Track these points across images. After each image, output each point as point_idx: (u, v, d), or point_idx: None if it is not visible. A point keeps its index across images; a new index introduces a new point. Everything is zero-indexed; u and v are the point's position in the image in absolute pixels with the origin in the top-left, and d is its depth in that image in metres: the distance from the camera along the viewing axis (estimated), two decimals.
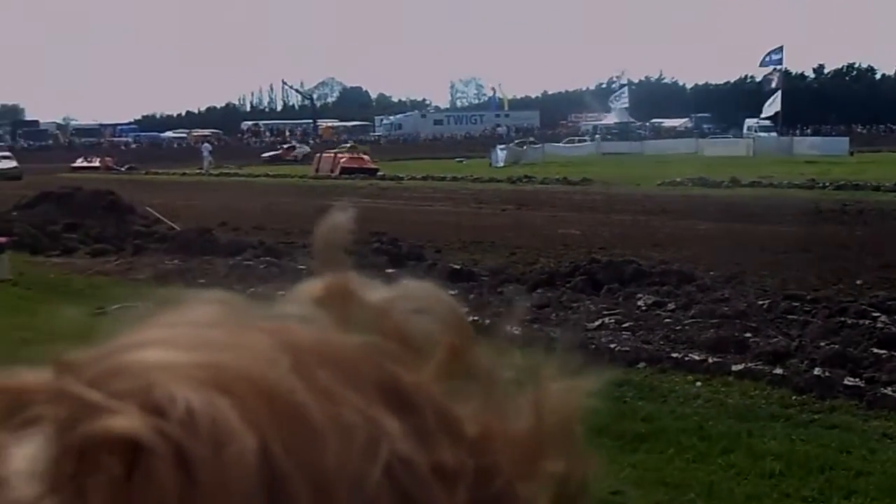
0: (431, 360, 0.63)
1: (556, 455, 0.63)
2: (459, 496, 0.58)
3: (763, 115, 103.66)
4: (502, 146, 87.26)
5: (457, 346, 0.64)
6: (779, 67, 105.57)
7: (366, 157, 77.32)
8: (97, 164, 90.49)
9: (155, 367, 0.56)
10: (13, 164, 77.48)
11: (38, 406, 0.56)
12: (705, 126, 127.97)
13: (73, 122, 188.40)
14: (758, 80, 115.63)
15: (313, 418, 0.55)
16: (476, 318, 15.38)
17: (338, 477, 0.54)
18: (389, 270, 19.40)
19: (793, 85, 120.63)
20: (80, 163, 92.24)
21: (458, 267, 19.50)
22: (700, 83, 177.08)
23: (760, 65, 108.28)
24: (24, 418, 0.56)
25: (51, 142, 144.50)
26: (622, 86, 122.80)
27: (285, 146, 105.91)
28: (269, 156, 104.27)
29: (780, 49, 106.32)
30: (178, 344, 0.58)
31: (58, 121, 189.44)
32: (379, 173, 68.79)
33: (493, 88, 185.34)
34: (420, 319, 0.64)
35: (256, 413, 0.54)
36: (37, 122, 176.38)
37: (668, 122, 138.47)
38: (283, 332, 0.60)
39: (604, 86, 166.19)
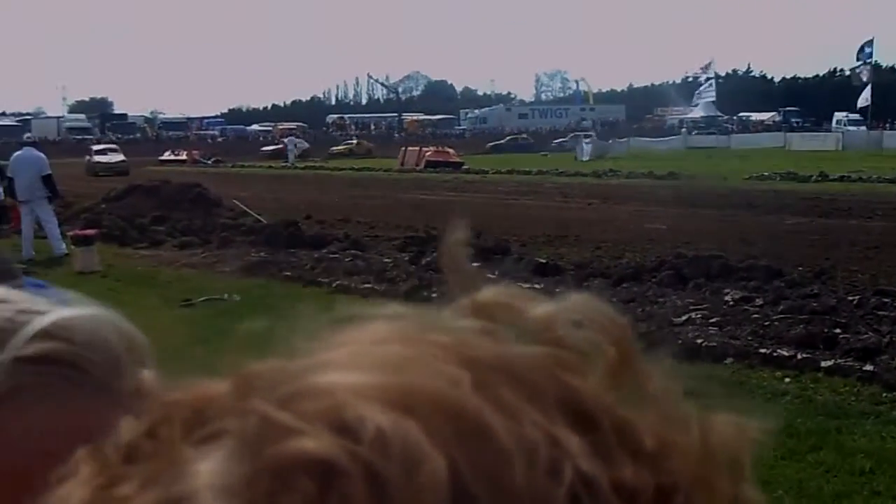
0: (599, 373, 0.61)
1: (726, 475, 0.60)
2: None
3: (859, 107, 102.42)
4: (587, 139, 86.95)
5: (623, 357, 0.62)
6: (869, 61, 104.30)
7: (450, 150, 77.48)
8: (184, 157, 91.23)
9: (341, 389, 0.55)
10: (120, 157, 74.90)
11: (221, 420, 0.56)
12: (793, 120, 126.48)
13: (160, 116, 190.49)
14: (847, 73, 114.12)
15: (500, 438, 0.54)
16: None
17: (525, 498, 0.53)
18: (475, 264, 19.42)
19: (883, 78, 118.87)
20: (167, 156, 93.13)
21: (543, 261, 19.42)
22: (788, 76, 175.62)
23: (858, 59, 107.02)
24: (207, 432, 0.56)
25: (139, 135, 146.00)
26: (709, 79, 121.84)
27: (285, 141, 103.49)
28: (271, 150, 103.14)
29: (871, 42, 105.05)
30: (361, 364, 0.57)
31: (146, 114, 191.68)
32: (464, 167, 68.88)
33: (577, 82, 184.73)
34: (583, 331, 0.63)
35: (443, 434, 0.53)
36: (125, 115, 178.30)
37: (756, 116, 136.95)
38: (460, 347, 0.59)
39: (690, 79, 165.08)
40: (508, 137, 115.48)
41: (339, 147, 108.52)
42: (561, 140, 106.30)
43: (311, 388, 0.56)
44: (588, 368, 0.61)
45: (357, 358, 0.58)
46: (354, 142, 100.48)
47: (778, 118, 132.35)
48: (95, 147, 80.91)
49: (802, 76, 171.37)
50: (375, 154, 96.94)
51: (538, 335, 0.62)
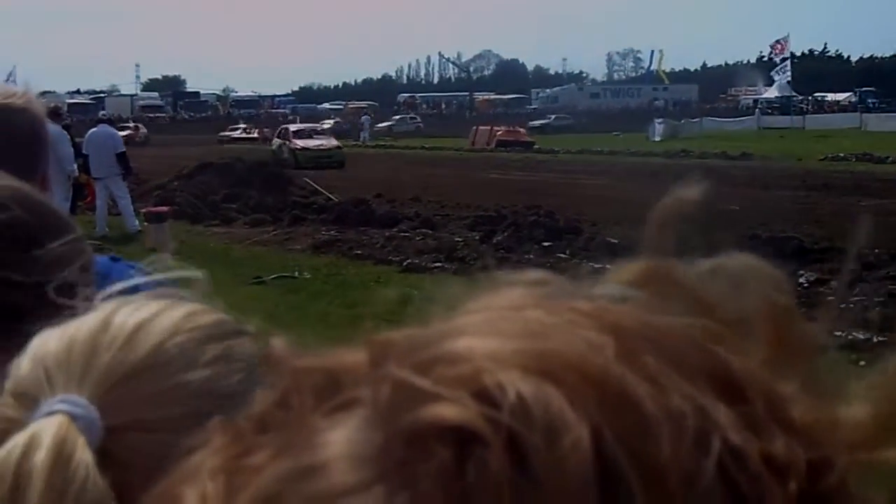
0: (755, 341, 0.60)
1: (883, 453, 0.57)
2: (791, 491, 0.53)
3: None
4: (659, 120, 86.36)
5: (780, 324, 0.61)
6: None
7: (521, 129, 77.28)
8: (255, 135, 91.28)
9: (480, 355, 0.53)
10: (333, 143, 54.47)
11: (354, 388, 0.56)
12: (870, 101, 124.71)
13: (232, 94, 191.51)
14: None
15: (645, 407, 0.52)
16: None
17: (671, 470, 0.51)
18: (546, 243, 19.35)
19: None
20: (239, 133, 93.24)
21: (615, 241, 19.29)
22: (865, 56, 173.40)
23: None
24: (340, 401, 0.55)
25: (210, 113, 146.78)
26: (784, 59, 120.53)
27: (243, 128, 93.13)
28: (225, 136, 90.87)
29: None
30: (499, 330, 0.56)
31: (218, 92, 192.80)
32: (534, 146, 68.66)
33: (652, 52, 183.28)
34: (740, 295, 0.61)
35: (586, 401, 0.52)
36: (197, 93, 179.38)
37: (832, 97, 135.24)
38: (604, 314, 0.57)
39: (765, 59, 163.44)
40: (554, 117, 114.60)
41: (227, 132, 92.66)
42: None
43: (448, 354, 0.54)
44: (739, 337, 0.59)
45: (496, 323, 0.57)
46: (250, 131, 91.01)
47: (854, 99, 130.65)
48: (293, 127, 60.09)
49: (880, 55, 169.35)
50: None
51: (693, 302, 0.61)
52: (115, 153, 22.99)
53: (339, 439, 0.53)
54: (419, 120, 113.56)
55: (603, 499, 0.50)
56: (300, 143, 52.88)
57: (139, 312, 1.11)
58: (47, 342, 1.09)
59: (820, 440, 0.56)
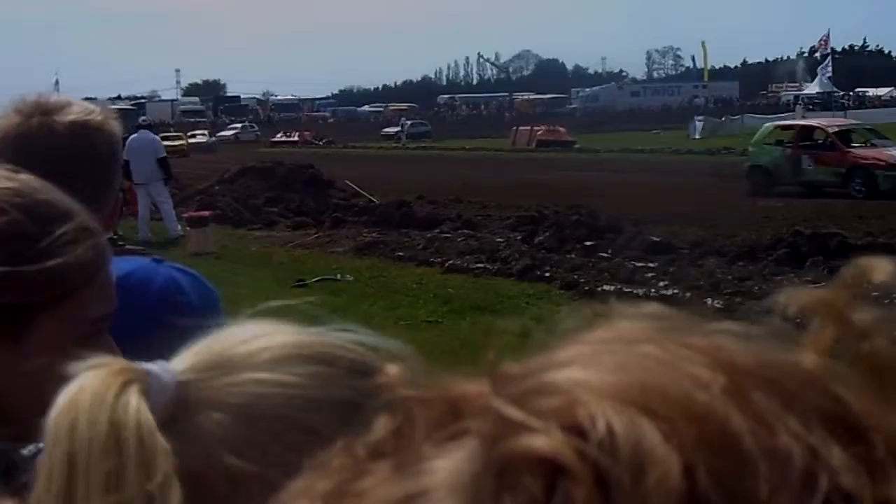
0: None
1: None
2: None
3: None
4: (700, 117, 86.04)
5: None
6: None
7: (562, 129, 77.17)
8: (296, 138, 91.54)
9: (579, 386, 0.53)
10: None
11: (469, 419, 0.56)
12: None
13: (272, 98, 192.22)
14: None
15: (745, 444, 0.51)
16: (676, 290, 15.22)
17: None
18: (588, 243, 19.32)
19: None
20: (279, 137, 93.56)
21: (657, 239, 19.23)
22: None
23: None
24: (453, 430, 0.56)
25: (251, 117, 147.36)
26: (825, 55, 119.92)
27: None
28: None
29: None
30: (604, 363, 0.55)
31: (258, 96, 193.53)
32: (575, 146, 68.58)
33: (693, 57, 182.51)
34: None
35: (682, 437, 0.51)
36: (238, 97, 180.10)
37: (873, 92, 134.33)
38: (719, 350, 0.56)
39: (806, 54, 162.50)
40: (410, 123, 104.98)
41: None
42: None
43: (547, 385, 0.54)
44: (882, 387, 0.56)
45: (602, 356, 0.56)
46: (290, 134, 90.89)
47: (895, 93, 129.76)
48: None
49: None
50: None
51: (855, 345, 0.58)
52: (156, 158, 23.17)
53: (445, 468, 0.53)
54: (257, 129, 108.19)
55: None
56: None
57: (268, 327, 1.17)
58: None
59: None
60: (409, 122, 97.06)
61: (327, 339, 1.18)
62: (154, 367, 1.08)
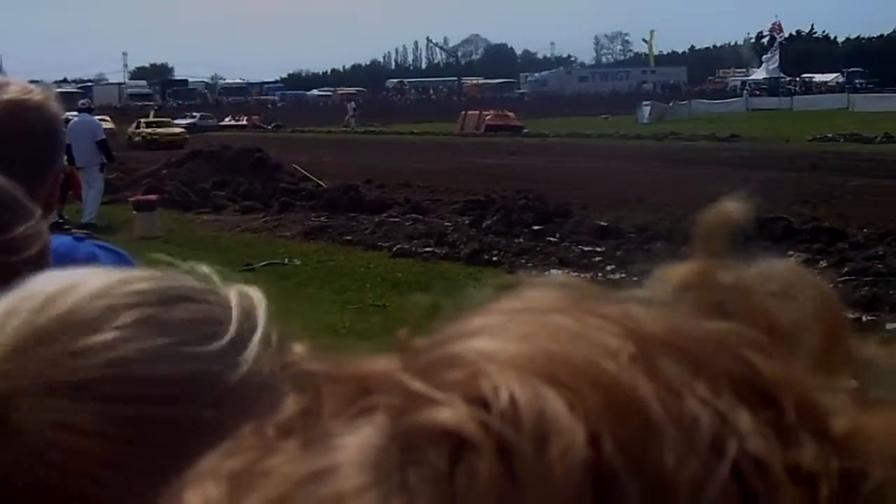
0: (801, 350, 0.57)
1: None
2: (819, 501, 0.51)
3: None
4: (647, 102, 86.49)
5: (830, 334, 0.58)
6: None
7: (510, 114, 77.28)
8: (244, 122, 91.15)
9: (483, 357, 0.53)
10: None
11: (378, 395, 0.55)
12: (857, 81, 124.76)
13: (221, 82, 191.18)
14: None
15: (652, 412, 0.51)
16: (623, 275, 15.28)
17: (676, 477, 0.49)
18: (536, 227, 19.38)
19: None
20: (227, 121, 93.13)
21: (604, 224, 19.33)
22: (852, 37, 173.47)
23: None
24: (362, 406, 0.55)
25: (199, 101, 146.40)
26: (772, 42, 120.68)
27: None
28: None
29: None
30: (511, 332, 0.54)
31: (206, 80, 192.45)
32: (524, 130, 68.68)
33: (645, 41, 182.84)
34: (786, 303, 0.59)
35: (587, 406, 0.50)
36: (186, 81, 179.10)
37: (819, 77, 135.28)
38: (628, 319, 0.56)
39: (753, 40, 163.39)
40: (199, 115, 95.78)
41: None
42: None
43: (453, 357, 0.54)
44: (783, 345, 0.57)
45: (509, 325, 0.55)
46: (238, 118, 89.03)
47: (841, 79, 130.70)
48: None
49: (866, 36, 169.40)
50: None
51: (736, 308, 0.58)
52: (95, 141, 23.07)
53: (352, 444, 0.53)
54: (213, 118, 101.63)
55: None
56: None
57: (70, 277, 1.05)
58: None
59: (858, 450, 0.53)
60: (353, 105, 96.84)
61: (150, 278, 1.08)
62: None
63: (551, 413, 0.50)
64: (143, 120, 65.46)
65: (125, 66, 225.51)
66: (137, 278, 1.07)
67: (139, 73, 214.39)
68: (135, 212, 21.56)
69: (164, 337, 1.02)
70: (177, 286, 1.08)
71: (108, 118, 54.94)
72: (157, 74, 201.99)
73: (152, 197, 22.75)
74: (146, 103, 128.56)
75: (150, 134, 59.88)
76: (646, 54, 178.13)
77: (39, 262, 1.65)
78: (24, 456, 0.95)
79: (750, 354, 0.55)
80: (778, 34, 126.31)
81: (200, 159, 31.04)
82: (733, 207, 0.64)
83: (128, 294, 1.03)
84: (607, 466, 0.49)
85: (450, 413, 0.51)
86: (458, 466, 0.50)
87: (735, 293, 0.59)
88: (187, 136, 59.34)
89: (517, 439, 0.49)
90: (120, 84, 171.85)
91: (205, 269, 1.14)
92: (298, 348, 0.62)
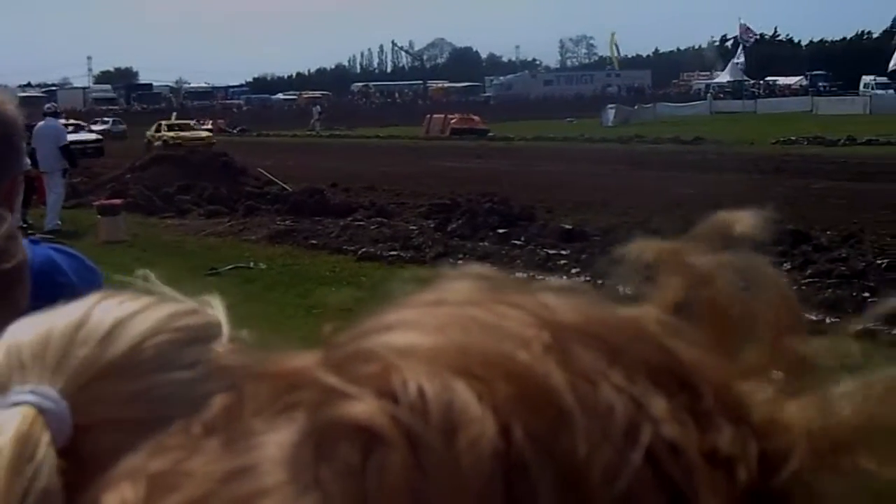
0: (750, 340, 0.58)
1: (872, 452, 0.54)
2: (736, 486, 0.51)
3: (889, 70, 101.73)
4: (611, 105, 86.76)
5: (781, 328, 0.58)
6: None
7: (476, 117, 77.33)
8: (209, 126, 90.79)
9: (395, 351, 0.53)
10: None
11: (301, 391, 0.55)
12: (821, 84, 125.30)
13: (185, 86, 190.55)
14: (875, 36, 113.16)
15: (564, 401, 0.51)
16: (588, 277, 15.31)
17: (589, 465, 0.49)
18: (501, 230, 19.40)
19: None
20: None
21: (569, 227, 19.37)
22: (816, 40, 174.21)
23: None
24: (284, 403, 0.55)
25: (164, 105, 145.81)
26: (737, 44, 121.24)
27: None
28: None
29: None
30: (425, 326, 0.55)
31: (171, 84, 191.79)
32: (489, 134, 68.74)
33: (612, 41, 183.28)
34: (745, 294, 0.59)
35: (498, 397, 0.50)
36: (150, 84, 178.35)
37: (783, 80, 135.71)
38: (543, 309, 0.56)
39: (717, 43, 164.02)
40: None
41: None
42: None
43: (366, 351, 0.54)
44: (728, 334, 0.57)
45: (424, 319, 0.56)
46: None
47: (805, 82, 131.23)
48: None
49: (830, 39, 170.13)
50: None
51: (698, 292, 0.59)
52: (57, 146, 22.97)
53: (273, 441, 0.53)
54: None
55: (509, 497, 0.49)
56: None
57: (121, 308, 1.04)
58: (23, 331, 1.02)
59: (777, 436, 0.54)
60: (318, 109, 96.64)
61: (192, 312, 1.08)
62: (46, 402, 0.94)
63: (460, 404, 0.50)
64: (164, 122, 63.17)
65: (90, 70, 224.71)
66: (183, 313, 1.06)
67: (104, 77, 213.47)
68: (99, 216, 21.44)
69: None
70: (217, 322, 1.07)
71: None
72: (122, 78, 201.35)
73: (117, 201, 22.65)
74: (111, 107, 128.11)
75: (173, 138, 54.85)
76: (610, 58, 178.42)
77: (22, 271, 1.64)
78: (84, 483, 0.94)
79: (668, 341, 0.55)
80: (748, 37, 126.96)
81: (165, 163, 30.96)
82: (746, 217, 0.64)
83: (181, 330, 1.03)
84: (518, 457, 0.49)
85: (362, 407, 0.51)
86: (370, 460, 0.50)
87: (699, 277, 0.59)
88: (214, 139, 56.51)
89: (426, 431, 0.49)
90: (84, 88, 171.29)
91: (152, 277, 1.11)
92: (228, 348, 0.62)
